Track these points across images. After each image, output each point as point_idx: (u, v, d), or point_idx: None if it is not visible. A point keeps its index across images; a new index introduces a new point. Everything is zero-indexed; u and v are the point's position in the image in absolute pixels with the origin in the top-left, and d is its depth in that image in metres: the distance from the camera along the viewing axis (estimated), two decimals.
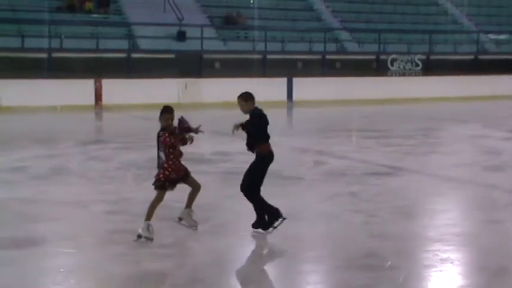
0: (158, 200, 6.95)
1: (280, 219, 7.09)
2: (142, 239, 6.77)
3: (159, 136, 6.93)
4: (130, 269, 6.06)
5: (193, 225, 7.14)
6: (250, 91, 7.14)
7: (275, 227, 7.07)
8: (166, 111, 6.99)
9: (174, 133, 6.89)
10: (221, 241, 6.89)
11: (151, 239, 6.77)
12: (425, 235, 7.36)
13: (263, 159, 7.04)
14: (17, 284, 5.70)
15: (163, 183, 6.90)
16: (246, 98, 7.08)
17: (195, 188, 7.10)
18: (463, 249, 6.87)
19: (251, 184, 7.04)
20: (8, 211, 8.18)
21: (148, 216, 6.87)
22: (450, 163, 12.14)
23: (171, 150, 6.90)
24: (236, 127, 7.14)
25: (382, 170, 11.19)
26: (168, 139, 6.84)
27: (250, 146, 7.06)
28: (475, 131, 17.35)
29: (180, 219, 7.15)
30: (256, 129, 7.03)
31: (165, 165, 6.88)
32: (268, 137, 7.09)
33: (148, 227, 6.81)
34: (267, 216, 7.09)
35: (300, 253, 6.66)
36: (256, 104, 7.07)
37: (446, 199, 9.37)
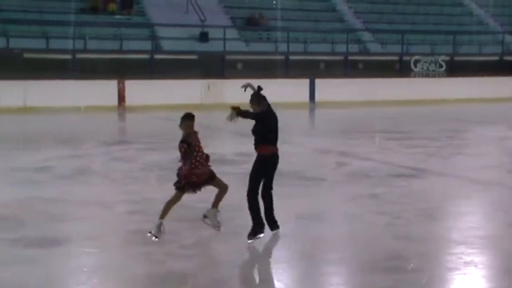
0: (175, 200, 6.97)
1: (258, 236, 6.94)
2: (151, 236, 6.81)
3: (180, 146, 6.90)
4: (153, 269, 6.08)
5: (217, 226, 7.15)
6: (267, 93, 7.13)
7: (252, 240, 6.92)
8: (187, 118, 6.93)
9: (191, 145, 6.85)
10: (243, 242, 6.89)
11: (157, 237, 6.80)
12: (449, 237, 7.31)
13: (262, 159, 6.93)
14: (41, 283, 5.75)
15: (183, 186, 6.91)
16: (258, 100, 7.04)
17: (222, 188, 7.11)
18: (487, 252, 6.81)
19: (250, 185, 6.96)
20: (33, 210, 8.26)
21: (163, 215, 6.91)
22: (475, 165, 12.03)
23: (199, 154, 6.90)
24: (232, 116, 6.89)
25: (406, 172, 11.12)
26: (183, 149, 6.82)
27: (255, 145, 7.02)
28: (500, 132, 17.19)
29: (205, 216, 7.16)
30: (260, 128, 6.92)
31: (187, 168, 6.86)
32: (274, 139, 6.97)
33: (160, 226, 6.85)
34: (252, 225, 6.96)
35: (323, 254, 6.64)
36: (272, 105, 7.07)
37: (471, 201, 9.29)
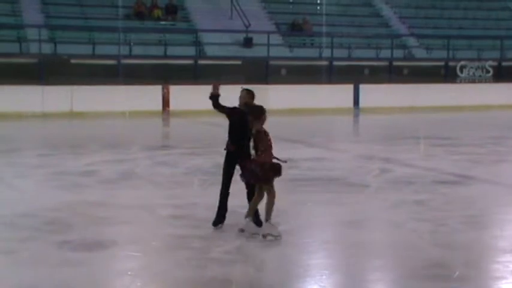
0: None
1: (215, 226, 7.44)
2: (274, 238, 7.02)
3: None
4: (196, 274, 6.13)
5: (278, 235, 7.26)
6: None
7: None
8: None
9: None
10: (286, 248, 6.90)
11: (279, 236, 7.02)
12: (495, 246, 7.19)
13: None
14: (87, 285, 5.85)
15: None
16: (253, 95, 7.71)
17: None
18: None
19: None
20: (78, 214, 8.41)
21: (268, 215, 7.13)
22: None
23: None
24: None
25: (450, 179, 10.99)
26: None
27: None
28: None
29: (264, 236, 7.21)
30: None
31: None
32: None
33: (272, 226, 7.07)
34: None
35: (364, 261, 6.61)
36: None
37: None
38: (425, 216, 8.31)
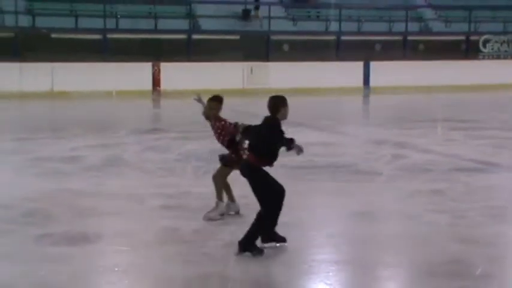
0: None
1: None
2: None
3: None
4: (190, 271, 6.12)
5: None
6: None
7: None
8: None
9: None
10: (289, 243, 6.89)
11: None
12: None
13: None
14: (70, 283, 5.85)
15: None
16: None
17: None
18: None
19: None
20: (59, 204, 8.40)
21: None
22: None
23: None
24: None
25: (471, 166, 10.98)
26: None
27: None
28: None
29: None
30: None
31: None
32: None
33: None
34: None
35: (375, 257, 6.60)
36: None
37: None
38: (444, 208, 8.31)
